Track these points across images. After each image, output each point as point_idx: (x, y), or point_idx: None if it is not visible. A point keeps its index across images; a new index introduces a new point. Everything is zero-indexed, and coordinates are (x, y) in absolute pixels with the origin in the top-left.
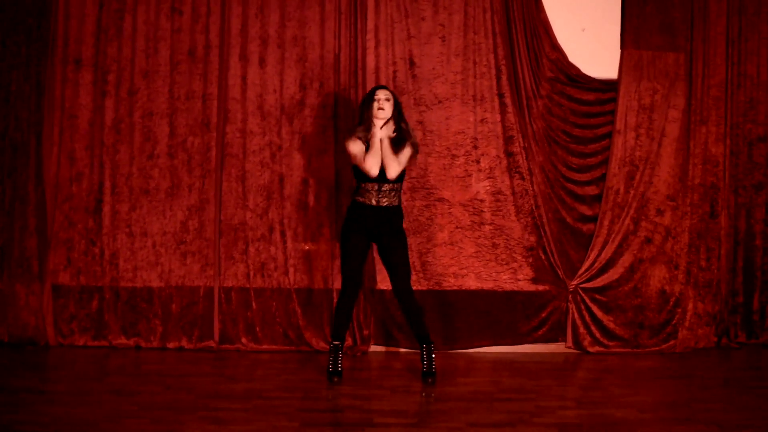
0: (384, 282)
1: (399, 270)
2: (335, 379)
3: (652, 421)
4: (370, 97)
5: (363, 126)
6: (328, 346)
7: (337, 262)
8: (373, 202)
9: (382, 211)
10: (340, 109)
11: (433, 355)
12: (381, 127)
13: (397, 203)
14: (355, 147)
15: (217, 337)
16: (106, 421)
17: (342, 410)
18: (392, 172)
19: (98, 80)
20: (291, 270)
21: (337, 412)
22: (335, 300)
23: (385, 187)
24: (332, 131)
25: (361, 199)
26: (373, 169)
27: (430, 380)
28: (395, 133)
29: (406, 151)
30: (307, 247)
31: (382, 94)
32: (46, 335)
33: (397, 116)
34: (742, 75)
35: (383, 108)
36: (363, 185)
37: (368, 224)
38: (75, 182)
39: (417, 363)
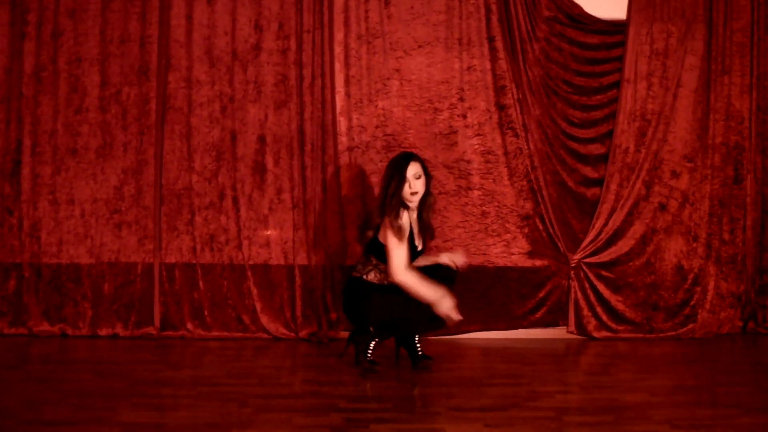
0: (354, 257)
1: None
2: (377, 368)
3: (668, 404)
4: (401, 174)
5: (393, 211)
6: (289, 333)
7: (300, 234)
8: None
9: None
10: (302, 55)
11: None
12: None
13: None
14: (402, 246)
15: (157, 322)
16: (26, 408)
17: (304, 396)
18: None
19: (16, 20)
20: (245, 243)
21: (299, 398)
22: (298, 278)
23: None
24: (294, 80)
25: (379, 277)
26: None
27: (430, 363)
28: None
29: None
30: (269, 233)
31: (411, 172)
32: None
33: (427, 192)
34: None
35: (416, 191)
36: (383, 267)
37: None
38: None
39: (391, 350)
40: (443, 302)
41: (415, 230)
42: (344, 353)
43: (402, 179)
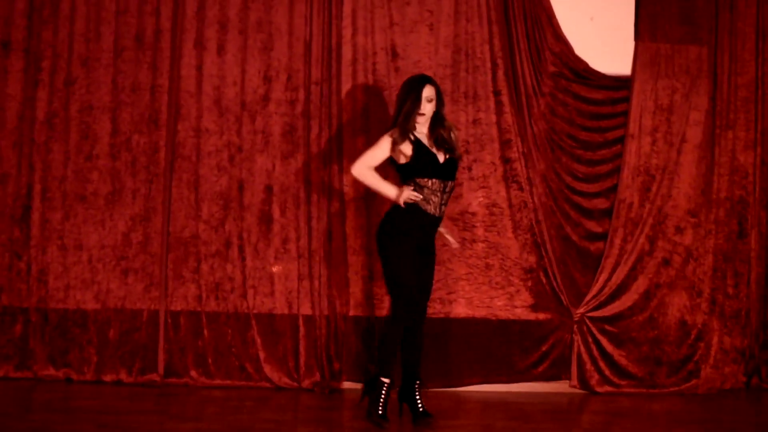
0: (358, 308)
1: (428, 293)
2: (385, 425)
3: None
4: (417, 94)
5: (399, 131)
6: (292, 383)
7: (305, 284)
8: (432, 211)
9: (438, 222)
10: (310, 106)
11: None
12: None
13: None
14: (381, 153)
15: (161, 369)
16: None
17: None
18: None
19: (30, 67)
20: (250, 292)
21: None
22: (302, 328)
23: (449, 186)
24: (302, 131)
25: (420, 203)
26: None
27: (430, 420)
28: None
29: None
30: (275, 269)
31: (425, 94)
32: None
33: (439, 116)
34: None
35: (423, 113)
36: (423, 182)
37: (422, 236)
38: None
39: (395, 402)
40: (402, 193)
41: (432, 148)
42: (360, 402)
43: (418, 99)
